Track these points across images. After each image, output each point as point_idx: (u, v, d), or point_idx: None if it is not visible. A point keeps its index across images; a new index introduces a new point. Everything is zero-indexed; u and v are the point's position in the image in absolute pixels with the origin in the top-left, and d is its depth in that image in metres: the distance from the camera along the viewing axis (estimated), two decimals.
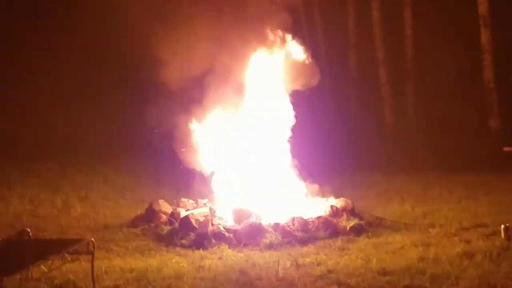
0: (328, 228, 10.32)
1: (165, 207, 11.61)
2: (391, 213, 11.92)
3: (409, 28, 21.85)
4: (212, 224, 10.44)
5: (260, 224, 10.29)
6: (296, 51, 12.13)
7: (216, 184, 11.98)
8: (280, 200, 11.30)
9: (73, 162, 16.74)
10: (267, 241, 9.81)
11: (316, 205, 11.53)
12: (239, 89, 12.02)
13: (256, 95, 12.10)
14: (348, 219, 10.73)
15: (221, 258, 9.06)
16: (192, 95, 11.92)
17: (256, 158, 11.82)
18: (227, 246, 9.72)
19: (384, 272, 7.48)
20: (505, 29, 18.69)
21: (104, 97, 19.19)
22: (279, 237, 9.90)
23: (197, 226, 10.35)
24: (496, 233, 9.11)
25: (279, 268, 7.85)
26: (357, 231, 10.33)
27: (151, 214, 11.45)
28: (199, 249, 9.63)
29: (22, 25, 19.70)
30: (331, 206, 11.13)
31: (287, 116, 12.09)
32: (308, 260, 8.55)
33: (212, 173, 12.03)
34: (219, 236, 10.06)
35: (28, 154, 16.70)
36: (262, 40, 11.91)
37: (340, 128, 20.00)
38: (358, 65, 23.06)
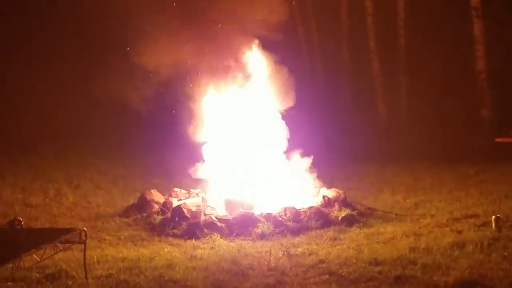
0: (320, 218, 10.34)
1: (158, 197, 11.62)
2: (382, 203, 11.99)
3: (401, 19, 21.90)
4: (205, 214, 10.47)
5: (252, 214, 10.32)
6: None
7: (207, 173, 12.00)
8: (272, 190, 11.33)
9: (65, 151, 16.69)
10: (259, 231, 9.84)
11: (308, 196, 11.57)
12: (230, 77, 12.06)
13: (247, 87, 12.13)
14: (340, 210, 10.78)
15: (213, 248, 9.08)
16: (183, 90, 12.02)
17: (248, 149, 11.84)
18: (219, 236, 9.75)
19: (375, 262, 7.49)
20: (497, 20, 18.69)
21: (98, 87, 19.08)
22: (271, 227, 9.92)
23: (189, 216, 10.37)
24: (487, 223, 9.14)
25: (271, 258, 7.85)
26: (349, 221, 10.35)
27: (143, 204, 11.46)
28: (191, 239, 9.66)
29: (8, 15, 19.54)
30: (323, 197, 11.18)
31: (279, 108, 12.12)
32: (299, 250, 8.57)
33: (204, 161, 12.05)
34: (211, 226, 10.09)
35: (20, 143, 16.61)
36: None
37: (333, 119, 20.05)
38: (350, 56, 23.11)
